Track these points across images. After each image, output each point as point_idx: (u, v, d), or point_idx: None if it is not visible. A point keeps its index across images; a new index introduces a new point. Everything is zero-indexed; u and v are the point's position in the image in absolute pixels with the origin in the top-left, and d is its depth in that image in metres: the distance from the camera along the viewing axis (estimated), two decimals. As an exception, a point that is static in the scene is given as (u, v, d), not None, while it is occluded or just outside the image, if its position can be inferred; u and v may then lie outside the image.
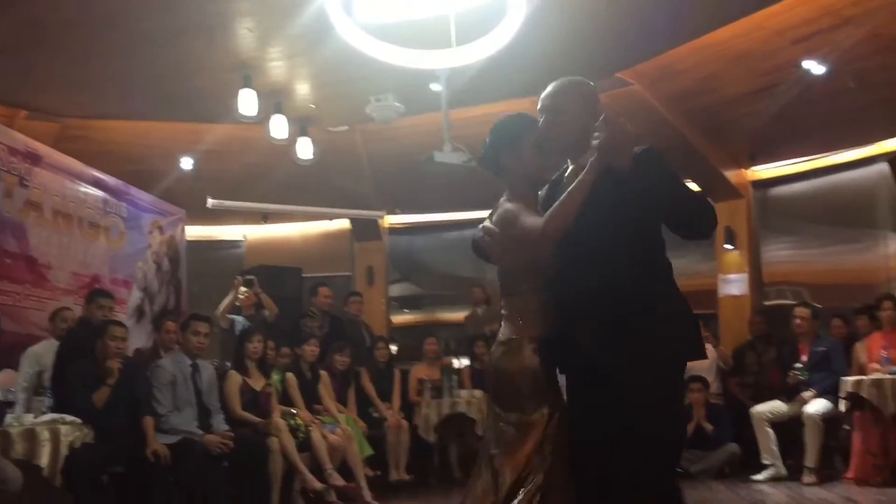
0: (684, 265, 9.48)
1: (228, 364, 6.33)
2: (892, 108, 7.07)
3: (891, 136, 7.66)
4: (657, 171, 2.45)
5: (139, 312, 7.65)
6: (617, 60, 6.92)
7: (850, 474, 6.21)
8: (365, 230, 10.06)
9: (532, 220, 2.54)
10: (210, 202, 8.27)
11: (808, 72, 6.69)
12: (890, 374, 6.05)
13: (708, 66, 7.07)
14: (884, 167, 7.52)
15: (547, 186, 2.76)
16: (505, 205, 2.68)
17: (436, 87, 6.71)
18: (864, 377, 6.15)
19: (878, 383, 6.00)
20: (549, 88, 2.68)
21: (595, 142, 2.44)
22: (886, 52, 6.36)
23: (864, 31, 6.16)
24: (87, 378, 5.04)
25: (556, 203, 2.48)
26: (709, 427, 6.88)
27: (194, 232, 9.32)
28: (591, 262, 2.47)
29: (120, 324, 5.43)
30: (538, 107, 2.71)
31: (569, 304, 2.53)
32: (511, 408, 2.58)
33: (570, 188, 2.47)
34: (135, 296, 7.64)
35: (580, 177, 2.46)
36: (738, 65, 6.94)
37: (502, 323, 2.65)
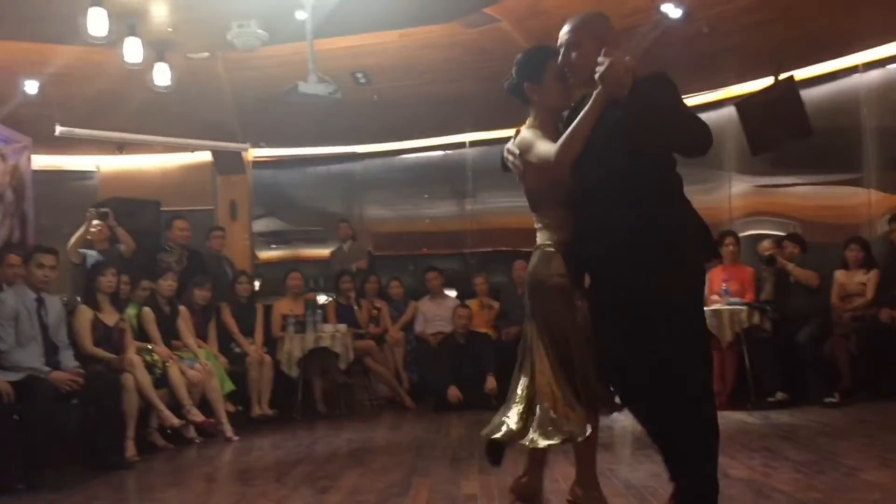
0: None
1: (79, 299, 6.07)
2: (742, 54, 7.42)
3: (740, 81, 8.05)
4: (658, 94, 2.64)
5: (-21, 245, 7.17)
6: (483, -5, 6.92)
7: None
8: (228, 163, 9.76)
9: (546, 148, 2.83)
10: (58, 129, 7.78)
11: (665, 15, 6.90)
12: (728, 304, 6.48)
13: (573, 6, 7.14)
14: (731, 111, 7.89)
15: (568, 113, 2.99)
16: (524, 131, 3.00)
17: (301, 15, 6.52)
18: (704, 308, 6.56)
19: (717, 314, 6.42)
20: (568, 24, 2.92)
21: (596, 75, 2.67)
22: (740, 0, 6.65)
23: (719, -23, 6.40)
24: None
25: (566, 133, 2.76)
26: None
27: (42, 161, 8.77)
28: (606, 183, 2.74)
29: (-46, 255, 5.08)
30: (558, 42, 2.93)
31: (588, 220, 2.81)
32: (539, 311, 2.90)
33: (577, 118, 2.73)
34: (-26, 227, 7.16)
35: (585, 108, 2.73)
36: (599, 6, 7.06)
37: (537, 233, 2.99)
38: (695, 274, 2.85)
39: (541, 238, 2.94)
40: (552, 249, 2.88)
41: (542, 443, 2.78)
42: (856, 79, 7.38)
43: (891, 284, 6.29)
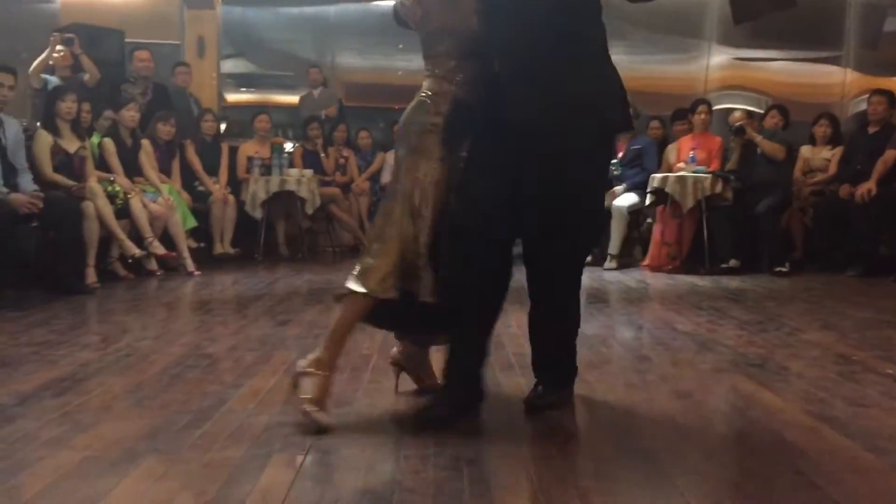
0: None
1: (38, 125, 5.92)
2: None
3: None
4: None
5: (-67, 64, 6.89)
6: None
7: (645, 262, 6.82)
8: (196, -4, 9.35)
9: None
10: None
11: None
12: (694, 172, 6.53)
13: None
14: (717, -23, 7.72)
15: None
16: None
17: None
18: (670, 174, 6.61)
19: (681, 180, 6.47)
20: None
21: None
22: None
23: None
24: None
25: None
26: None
27: (-2, -19, 8.34)
28: (525, 34, 2.49)
29: None
30: None
31: (505, 73, 2.54)
32: (401, 159, 2.65)
33: None
34: (-73, 45, 6.86)
35: None
36: None
37: (424, 80, 2.68)
38: (607, 140, 2.77)
39: (424, 86, 2.64)
40: (428, 100, 2.59)
41: (352, 286, 2.51)
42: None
43: (854, 160, 6.36)
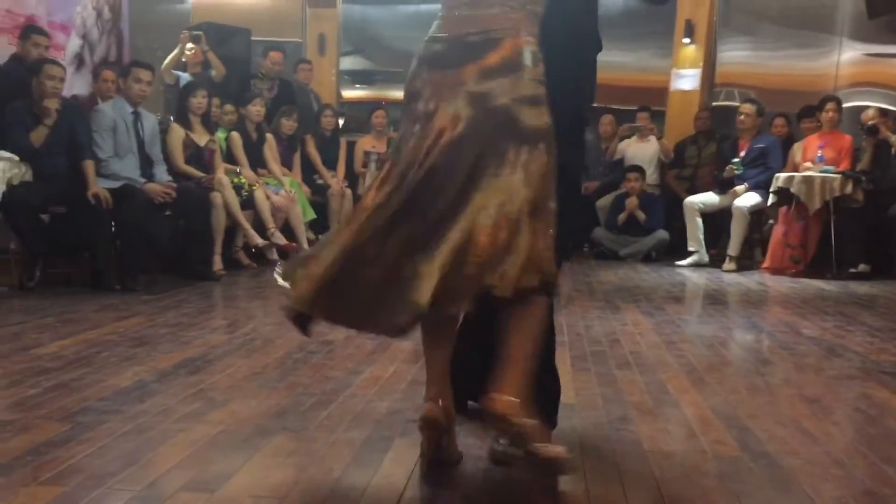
0: (638, 60, 9.43)
1: (171, 119, 6.22)
2: None
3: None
4: None
5: (79, 60, 7.35)
6: None
7: (766, 264, 6.59)
8: (319, -4, 9.63)
9: None
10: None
11: None
12: (821, 172, 6.27)
13: None
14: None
15: None
16: None
17: None
18: (795, 174, 6.36)
19: (808, 180, 6.22)
20: None
21: None
22: None
23: None
24: (24, 116, 4.92)
25: None
26: (641, 216, 7.12)
27: (137, -18, 8.80)
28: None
29: (57, 62, 5.23)
30: None
31: None
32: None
33: None
34: (74, 42, 7.31)
35: None
36: None
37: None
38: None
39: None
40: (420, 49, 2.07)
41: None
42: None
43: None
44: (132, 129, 5.33)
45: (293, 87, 7.62)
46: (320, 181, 7.30)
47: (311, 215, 6.77)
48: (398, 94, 10.27)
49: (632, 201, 7.14)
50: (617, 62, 9.53)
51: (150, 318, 3.97)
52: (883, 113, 6.78)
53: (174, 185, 5.36)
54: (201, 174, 5.83)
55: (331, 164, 7.45)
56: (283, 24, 9.53)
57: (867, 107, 7.19)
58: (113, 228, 5.13)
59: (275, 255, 6.27)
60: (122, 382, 2.74)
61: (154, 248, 5.39)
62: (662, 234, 7.12)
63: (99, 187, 4.98)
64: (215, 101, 6.30)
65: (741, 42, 8.66)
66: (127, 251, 5.07)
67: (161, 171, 5.50)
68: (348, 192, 7.29)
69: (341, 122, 8.51)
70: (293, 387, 2.75)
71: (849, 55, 8.14)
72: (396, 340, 2.67)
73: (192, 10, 9.46)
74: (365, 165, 7.52)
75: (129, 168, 5.26)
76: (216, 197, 5.70)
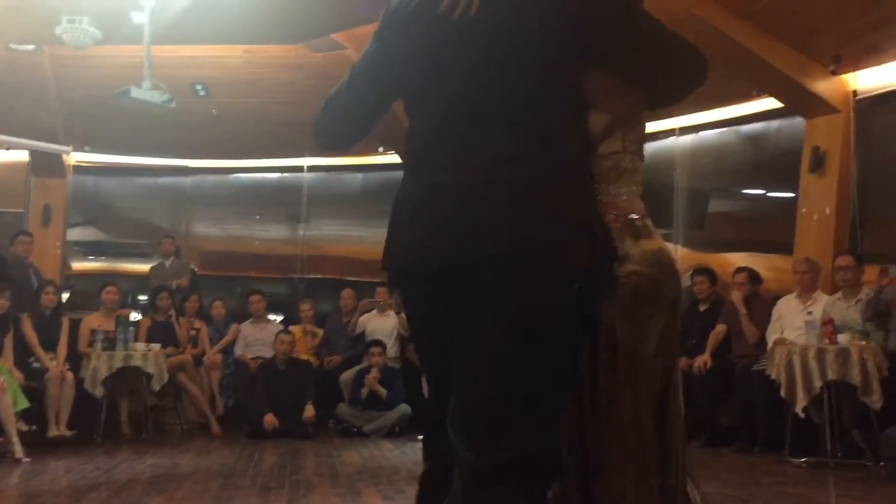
0: (379, 235, 9.84)
1: None
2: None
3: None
4: None
5: None
6: (333, 22, 6.91)
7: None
8: (46, 165, 9.14)
9: None
10: None
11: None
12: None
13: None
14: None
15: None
16: None
17: (138, 17, 6.26)
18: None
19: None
20: None
21: None
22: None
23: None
24: None
25: None
26: (382, 391, 7.17)
27: None
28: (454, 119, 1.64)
29: None
30: None
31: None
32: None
33: None
34: None
35: None
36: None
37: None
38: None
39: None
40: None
41: None
42: (672, 141, 7.95)
43: (689, 335, 6.74)
44: None
45: (6, 261, 7.03)
46: (37, 364, 6.65)
47: (24, 404, 6.07)
48: (133, 266, 9.88)
49: (372, 375, 7.19)
50: (356, 236, 9.89)
51: None
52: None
53: None
54: None
55: (50, 345, 6.83)
56: (4, 193, 8.92)
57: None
58: None
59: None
60: None
61: None
62: (405, 408, 7.20)
63: None
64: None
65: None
66: None
67: None
68: (69, 375, 6.69)
69: (65, 297, 7.92)
70: None
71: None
72: None
73: None
74: (91, 344, 6.98)
75: None
76: None
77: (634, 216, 1.84)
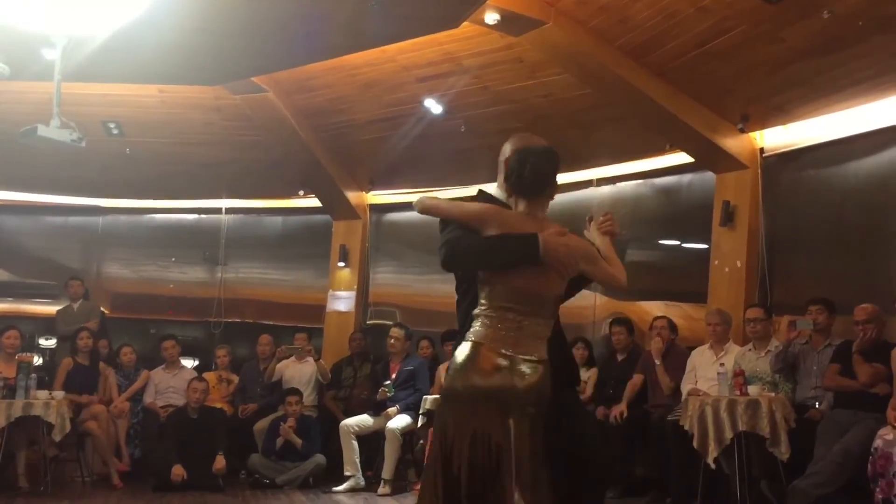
0: (298, 279, 9.69)
1: None
2: (495, 154, 7.87)
3: (491, 180, 8.53)
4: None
5: None
6: (253, 64, 6.84)
7: (419, 486, 6.72)
8: (-55, 201, 8.75)
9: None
10: None
11: (428, 110, 7.22)
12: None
13: (340, 88, 7.32)
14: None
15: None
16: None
17: (50, 54, 6.06)
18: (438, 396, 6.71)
19: (452, 403, 6.57)
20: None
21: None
22: (493, 104, 7.10)
23: (476, 81, 6.82)
24: None
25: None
26: (297, 441, 6.98)
27: None
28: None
29: None
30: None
31: None
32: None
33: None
34: None
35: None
36: (367, 91, 7.27)
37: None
38: None
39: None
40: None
41: None
42: (590, 192, 8.07)
43: (608, 384, 6.80)
44: None
45: None
46: (-74, 414, 6.26)
47: None
48: (38, 308, 9.47)
49: (288, 424, 7.00)
50: (275, 280, 9.72)
51: None
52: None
53: None
54: None
55: (-58, 393, 6.45)
56: None
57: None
58: None
59: None
60: None
61: None
62: (319, 458, 7.02)
63: None
64: None
65: (390, 265, 9.30)
66: None
67: None
68: (-38, 428, 6.31)
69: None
70: None
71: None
72: None
73: None
74: (-13, 392, 6.61)
75: None
76: None
77: None
